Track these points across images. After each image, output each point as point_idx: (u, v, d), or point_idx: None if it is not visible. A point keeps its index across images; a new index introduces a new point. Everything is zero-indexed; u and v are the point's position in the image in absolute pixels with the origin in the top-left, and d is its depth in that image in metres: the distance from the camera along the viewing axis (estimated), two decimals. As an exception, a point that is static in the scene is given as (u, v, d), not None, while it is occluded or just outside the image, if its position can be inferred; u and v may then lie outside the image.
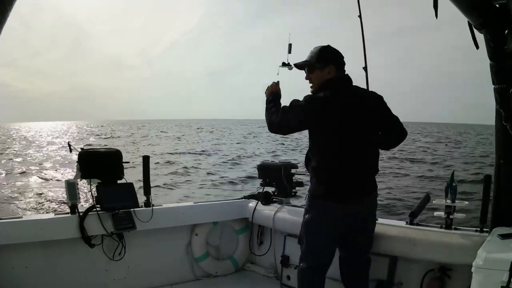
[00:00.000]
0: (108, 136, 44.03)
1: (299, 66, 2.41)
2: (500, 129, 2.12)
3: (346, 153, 2.25)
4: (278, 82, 2.45)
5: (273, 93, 2.42)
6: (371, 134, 2.33)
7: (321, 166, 2.29)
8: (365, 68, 2.83)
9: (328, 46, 2.35)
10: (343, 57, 2.35)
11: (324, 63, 2.30)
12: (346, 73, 2.35)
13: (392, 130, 2.36)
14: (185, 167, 16.19)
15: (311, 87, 2.37)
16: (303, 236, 2.41)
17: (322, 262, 2.42)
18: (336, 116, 2.21)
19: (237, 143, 32.23)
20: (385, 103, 2.34)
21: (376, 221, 2.77)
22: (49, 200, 9.81)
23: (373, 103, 2.31)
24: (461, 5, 1.97)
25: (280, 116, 2.29)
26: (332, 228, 2.33)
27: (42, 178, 13.65)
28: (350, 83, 2.35)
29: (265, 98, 2.44)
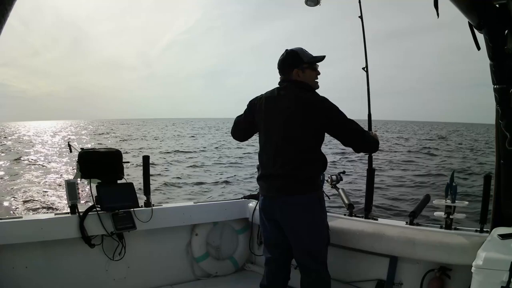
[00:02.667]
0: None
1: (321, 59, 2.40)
2: (500, 129, 2.11)
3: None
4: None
5: None
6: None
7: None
8: (366, 69, 2.83)
9: None
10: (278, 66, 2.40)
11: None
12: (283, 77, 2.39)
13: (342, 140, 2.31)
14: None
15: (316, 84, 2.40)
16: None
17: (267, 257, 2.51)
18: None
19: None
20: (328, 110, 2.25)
21: (376, 221, 2.78)
22: (48, 200, 9.82)
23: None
24: (461, 5, 1.97)
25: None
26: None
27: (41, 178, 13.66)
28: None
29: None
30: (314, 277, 2.35)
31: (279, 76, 2.40)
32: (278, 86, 2.39)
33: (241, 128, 2.56)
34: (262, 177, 2.39)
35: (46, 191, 11.01)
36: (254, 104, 2.43)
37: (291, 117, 2.25)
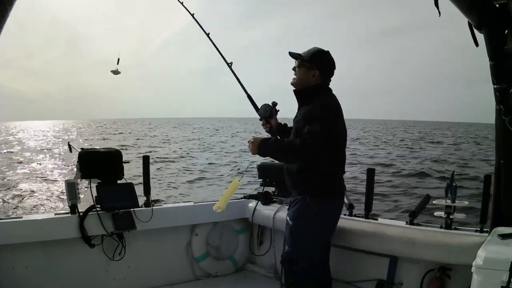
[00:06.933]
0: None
1: (293, 55, 2.42)
2: (500, 129, 2.11)
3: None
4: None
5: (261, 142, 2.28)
6: None
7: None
8: None
9: (327, 52, 2.40)
10: (333, 69, 2.40)
11: (313, 65, 2.35)
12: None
13: None
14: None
15: (293, 79, 2.43)
16: None
17: None
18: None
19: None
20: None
21: (376, 221, 2.77)
22: (48, 200, 9.81)
23: None
24: (461, 5, 1.97)
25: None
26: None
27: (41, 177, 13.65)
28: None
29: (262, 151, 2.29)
30: None
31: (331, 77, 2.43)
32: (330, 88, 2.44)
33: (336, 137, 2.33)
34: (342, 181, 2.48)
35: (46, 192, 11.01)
36: (338, 110, 2.37)
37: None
